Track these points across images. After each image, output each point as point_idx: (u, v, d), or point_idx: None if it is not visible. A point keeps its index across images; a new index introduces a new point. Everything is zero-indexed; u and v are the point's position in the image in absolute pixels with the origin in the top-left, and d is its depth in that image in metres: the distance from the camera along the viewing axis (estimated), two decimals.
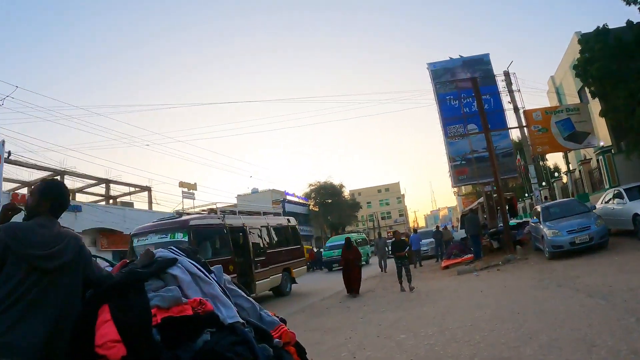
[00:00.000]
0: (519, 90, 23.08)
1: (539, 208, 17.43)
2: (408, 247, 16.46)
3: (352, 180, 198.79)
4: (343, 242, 26.22)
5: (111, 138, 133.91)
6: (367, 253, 35.76)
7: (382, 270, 23.32)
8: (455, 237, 30.11)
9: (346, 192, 75.17)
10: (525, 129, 23.33)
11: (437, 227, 29.05)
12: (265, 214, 19.73)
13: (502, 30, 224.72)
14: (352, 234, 36.06)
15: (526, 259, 16.22)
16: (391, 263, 20.13)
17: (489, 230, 21.47)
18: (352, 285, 15.40)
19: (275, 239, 18.71)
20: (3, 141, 12.07)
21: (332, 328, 9.89)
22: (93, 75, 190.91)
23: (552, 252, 14.68)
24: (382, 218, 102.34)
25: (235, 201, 63.34)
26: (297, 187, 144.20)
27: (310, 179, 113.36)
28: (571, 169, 33.53)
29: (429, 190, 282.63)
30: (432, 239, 27.44)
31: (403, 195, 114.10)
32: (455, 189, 27.67)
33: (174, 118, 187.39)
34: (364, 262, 22.25)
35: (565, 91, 31.86)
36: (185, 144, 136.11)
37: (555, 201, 21.84)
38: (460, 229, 30.21)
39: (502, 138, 23.81)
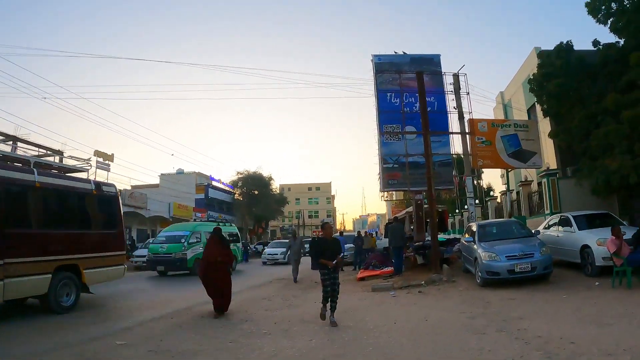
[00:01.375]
0: (468, 93, 21.01)
1: (474, 226, 15.42)
2: (342, 254, 14.23)
3: (282, 175, 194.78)
4: (183, 232, 24.31)
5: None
6: (237, 256, 27.35)
7: (294, 280, 19.00)
8: (379, 246, 28.13)
9: (275, 185, 72.61)
10: (468, 138, 21.29)
11: (359, 232, 26.87)
12: (39, 165, 12.59)
13: (455, 37, 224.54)
14: (224, 226, 26.95)
15: (453, 282, 14.11)
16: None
17: (415, 244, 19.27)
18: (219, 299, 10.75)
19: (54, 212, 11.87)
20: None
21: (184, 352, 7.39)
22: None
23: (485, 279, 12.64)
24: (310, 216, 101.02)
25: (157, 180, 60.07)
26: (223, 173, 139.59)
27: (239, 167, 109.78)
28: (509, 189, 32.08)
29: (360, 194, 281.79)
30: (352, 245, 25.41)
31: (333, 196, 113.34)
32: (384, 194, 25.29)
33: (83, 69, 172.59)
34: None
35: (514, 108, 30.22)
36: (100, 107, 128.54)
37: (494, 220, 19.83)
38: (385, 238, 28.26)
39: (442, 146, 21.72)
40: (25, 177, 10.76)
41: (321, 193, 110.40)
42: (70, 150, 46.22)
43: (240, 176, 68.23)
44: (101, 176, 42.01)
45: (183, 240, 23.32)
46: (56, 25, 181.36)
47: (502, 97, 33.91)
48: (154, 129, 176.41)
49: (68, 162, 15.51)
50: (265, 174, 69.17)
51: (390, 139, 22.03)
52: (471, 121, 21.75)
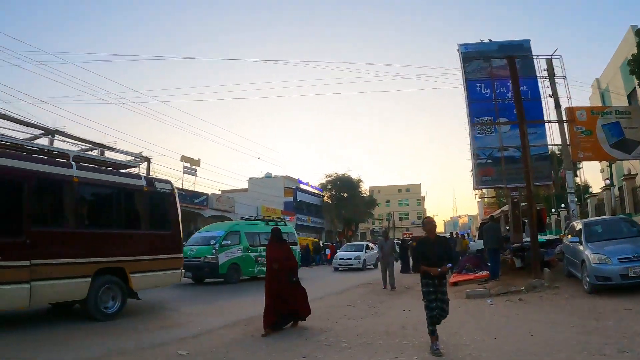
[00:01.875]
0: (564, 77, 19.19)
1: (578, 224, 13.75)
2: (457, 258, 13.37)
3: (371, 177, 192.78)
4: (216, 233, 21.16)
5: (85, 91, 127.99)
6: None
7: (384, 286, 17.07)
8: (472, 248, 26.59)
9: (364, 188, 71.64)
10: (566, 128, 19.51)
11: (452, 233, 25.41)
12: (80, 158, 11.25)
13: (542, 21, 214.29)
14: (278, 224, 22.64)
15: (556, 288, 12.53)
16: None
17: (513, 245, 17.61)
18: (272, 316, 8.88)
19: (95, 210, 11.23)
20: None
21: None
22: (63, 13, 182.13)
23: (594, 285, 11.07)
24: (400, 219, 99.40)
25: (246, 185, 60.50)
26: (310, 176, 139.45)
27: (327, 170, 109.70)
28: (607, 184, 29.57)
29: (451, 195, 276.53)
30: None
31: (423, 197, 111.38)
32: (477, 192, 23.60)
33: (158, 72, 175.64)
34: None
35: (613, 94, 27.89)
36: (182, 112, 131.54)
37: (600, 217, 17.88)
38: (478, 239, 26.65)
39: (538, 138, 19.98)
40: (60, 171, 9.95)
41: (411, 195, 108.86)
42: (157, 157, 46.79)
43: (328, 179, 68.03)
44: (189, 181, 43.08)
45: (214, 242, 20.30)
46: (127, 29, 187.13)
47: (599, 84, 31.45)
48: (239, 132, 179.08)
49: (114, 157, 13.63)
50: (354, 176, 68.42)
51: (482, 133, 20.57)
52: (569, 109, 19.95)
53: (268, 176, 63.70)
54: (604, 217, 19.42)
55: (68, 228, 9.96)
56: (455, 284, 16.23)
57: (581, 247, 12.06)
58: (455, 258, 22.36)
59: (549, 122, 18.85)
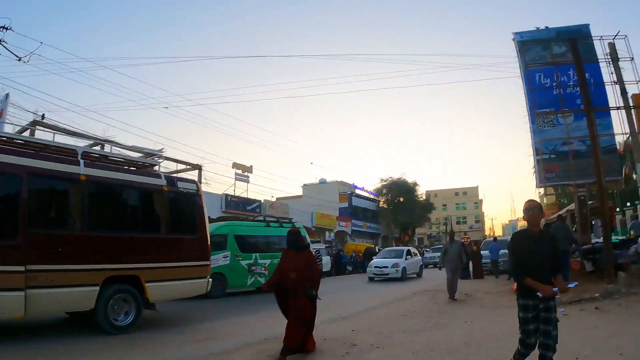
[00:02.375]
0: (632, 59, 17.50)
1: None
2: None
3: (427, 181, 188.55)
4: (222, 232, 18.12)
5: (124, 97, 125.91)
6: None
7: (450, 296, 14.65)
8: None
9: (420, 191, 69.97)
10: (635, 116, 17.87)
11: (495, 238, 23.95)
12: (88, 155, 10.24)
13: (603, 6, 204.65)
14: (284, 225, 20.34)
15: (635, 294, 11.06)
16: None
17: (583, 247, 15.99)
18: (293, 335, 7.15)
19: (106, 211, 10.18)
20: (7, 94, 12.12)
21: None
22: (96, 19, 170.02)
23: None
24: (457, 223, 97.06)
25: (300, 191, 59.93)
26: (365, 181, 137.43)
27: (381, 174, 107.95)
28: None
29: (508, 198, 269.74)
30: (507, 251, 22.38)
31: (481, 200, 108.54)
32: (540, 191, 21.85)
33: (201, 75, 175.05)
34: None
35: None
36: (232, 117, 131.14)
37: None
38: None
39: (603, 129, 18.24)
40: (65, 168, 9.06)
41: (468, 198, 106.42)
42: (207, 164, 46.50)
43: (384, 183, 66.88)
44: (241, 188, 42.57)
45: None
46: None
47: None
48: (292, 137, 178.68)
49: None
50: (409, 180, 66.98)
51: (544, 126, 19.15)
52: (637, 96, 18.29)
53: (322, 182, 62.90)
54: None
55: (72, 231, 9.04)
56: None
57: None
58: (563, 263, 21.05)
59: (619, 108, 17.16)
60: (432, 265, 34.03)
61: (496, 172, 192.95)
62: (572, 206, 20.22)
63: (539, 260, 4.74)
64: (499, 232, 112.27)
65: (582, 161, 18.04)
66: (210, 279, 11.84)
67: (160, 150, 12.10)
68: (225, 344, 8.30)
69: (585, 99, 15.00)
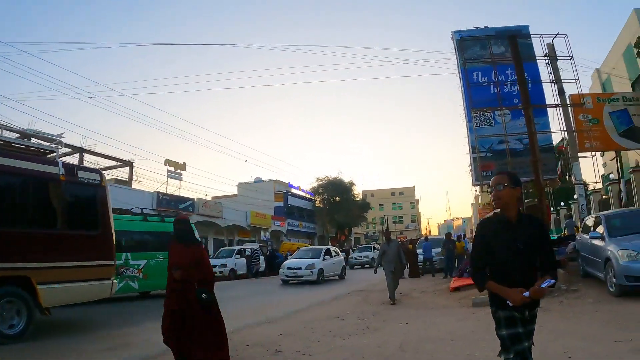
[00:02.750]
0: (571, 58, 17.58)
1: (592, 218, 12.22)
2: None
3: (364, 180, 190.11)
4: None
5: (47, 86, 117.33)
6: None
7: (391, 302, 13.05)
8: (470, 251, 25.13)
9: (357, 191, 69.94)
10: (572, 116, 18.08)
11: (449, 235, 23.69)
12: None
13: (538, 9, 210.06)
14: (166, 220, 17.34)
15: (575, 291, 10.86)
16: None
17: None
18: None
19: None
20: None
21: None
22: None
23: (623, 286, 9.44)
24: (394, 222, 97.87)
25: (235, 190, 58.99)
26: (301, 180, 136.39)
27: (318, 173, 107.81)
28: (612, 178, 27.93)
29: (444, 198, 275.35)
30: (440, 249, 22.99)
31: (417, 200, 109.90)
32: (477, 189, 21.64)
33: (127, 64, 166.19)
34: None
35: (615, 83, 26.49)
36: (169, 116, 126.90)
37: (622, 210, 16.05)
38: None
39: (540, 128, 18.26)
40: None
41: (405, 198, 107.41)
42: (139, 160, 45.11)
43: (320, 183, 66.45)
44: (174, 185, 41.45)
45: None
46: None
47: (599, 74, 30.03)
48: (226, 134, 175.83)
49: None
50: (346, 179, 66.83)
51: (481, 124, 19.13)
52: (574, 97, 18.55)
53: (258, 181, 62.04)
54: (626, 209, 17.57)
55: None
56: (456, 289, 14.62)
57: (603, 243, 10.49)
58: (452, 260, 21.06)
59: (557, 106, 17.21)
60: (359, 267, 33.71)
61: (432, 172, 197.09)
62: None
63: (513, 259, 3.33)
64: (435, 232, 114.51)
65: (519, 159, 18.09)
66: (115, 281, 10.48)
67: (60, 135, 10.48)
68: (145, 352, 7.48)
69: (523, 96, 14.93)
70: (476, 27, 20.72)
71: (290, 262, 24.19)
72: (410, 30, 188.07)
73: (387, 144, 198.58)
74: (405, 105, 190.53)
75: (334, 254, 25.81)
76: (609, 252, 9.97)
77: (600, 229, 11.10)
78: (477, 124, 19.05)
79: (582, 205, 18.26)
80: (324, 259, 23.39)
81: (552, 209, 37.00)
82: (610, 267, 9.88)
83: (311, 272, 21.93)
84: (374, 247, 38.31)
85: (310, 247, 33.71)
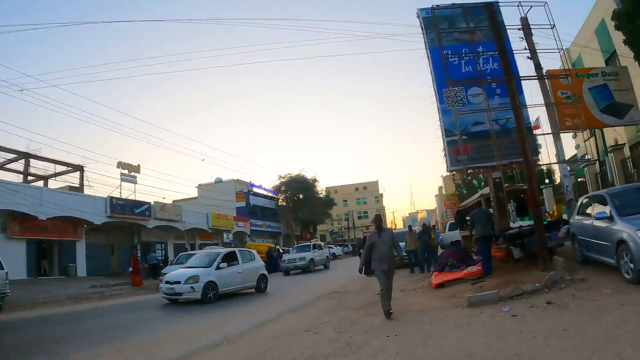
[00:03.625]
0: (553, 26, 16.16)
1: (598, 197, 10.83)
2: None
3: (327, 177, 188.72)
4: None
5: None
6: None
7: (386, 315, 9.64)
8: (445, 242, 23.76)
9: (320, 188, 68.64)
10: (550, 91, 16.80)
11: (424, 225, 22.13)
12: None
13: None
14: None
15: (583, 281, 9.34)
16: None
17: (508, 232, 14.35)
18: None
19: None
20: None
21: None
22: None
23: None
24: (359, 217, 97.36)
25: (196, 193, 57.09)
26: (263, 179, 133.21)
27: (281, 171, 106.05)
28: (588, 159, 26.93)
29: (408, 192, 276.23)
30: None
31: (381, 194, 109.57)
32: (455, 175, 20.12)
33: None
34: None
35: (587, 62, 25.50)
36: (118, 114, 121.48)
37: (626, 186, 14.72)
38: (453, 229, 23.70)
39: None
40: None
41: (369, 192, 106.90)
42: (90, 164, 42.74)
43: (282, 180, 65.10)
44: (128, 189, 39.33)
45: None
46: None
47: (568, 54, 28.94)
48: (182, 133, 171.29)
49: None
50: (308, 176, 65.57)
51: (454, 105, 17.71)
52: (551, 73, 17.45)
53: (218, 181, 60.26)
54: (630, 184, 16.33)
55: None
56: (440, 285, 13.10)
57: (612, 225, 9.09)
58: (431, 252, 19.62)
59: (543, 77, 15.90)
60: (298, 271, 30.56)
61: (395, 166, 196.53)
62: (485, 190, 18.91)
63: None
64: (400, 225, 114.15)
65: (496, 141, 16.84)
66: None
67: None
68: None
69: (505, 67, 13.55)
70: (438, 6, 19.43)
71: (169, 274, 18.27)
72: (374, 12, 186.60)
73: (349, 139, 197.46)
74: (366, 99, 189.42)
75: (244, 259, 19.62)
76: (622, 233, 8.55)
77: (605, 209, 9.70)
78: (449, 105, 17.69)
79: (567, 186, 16.98)
80: (219, 268, 17.73)
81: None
82: (625, 251, 8.47)
83: (192, 287, 16.44)
84: (314, 245, 34.09)
85: (206, 250, 24.86)
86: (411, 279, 17.29)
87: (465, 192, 65.50)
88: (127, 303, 18.73)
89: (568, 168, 25.04)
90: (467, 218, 18.33)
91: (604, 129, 23.00)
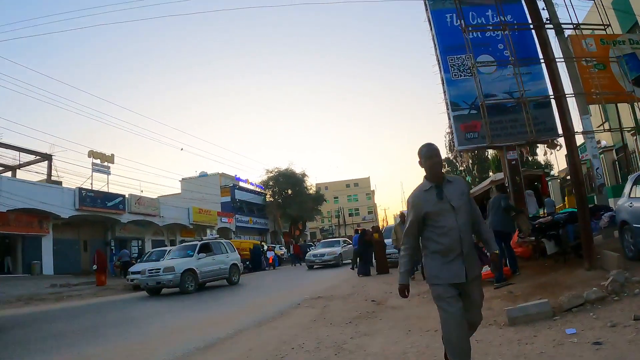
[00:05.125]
0: None
1: None
2: None
3: (318, 174, 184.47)
4: None
5: None
6: None
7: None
8: None
9: (310, 183, 65.68)
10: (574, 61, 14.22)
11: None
12: None
13: None
14: None
15: None
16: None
17: (537, 222, 11.37)
18: None
19: None
20: None
21: None
22: None
23: None
24: (350, 215, 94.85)
25: (179, 186, 54.33)
26: (250, 173, 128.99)
27: (267, 165, 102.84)
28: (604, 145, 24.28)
29: (399, 188, 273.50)
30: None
31: (373, 191, 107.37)
32: (461, 156, 16.83)
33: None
34: None
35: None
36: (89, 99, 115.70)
37: None
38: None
39: (533, 79, 14.77)
40: None
41: (360, 189, 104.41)
42: (59, 152, 39.91)
43: (270, 175, 62.00)
44: (101, 180, 36.52)
45: None
46: None
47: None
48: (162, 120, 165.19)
49: None
50: (297, 170, 62.80)
51: (460, 75, 15.11)
52: (572, 39, 14.81)
53: (203, 175, 57.48)
54: None
55: None
56: None
57: None
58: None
59: (578, 26, 13.30)
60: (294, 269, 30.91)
61: (387, 162, 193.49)
62: (496, 176, 16.26)
63: None
64: (392, 222, 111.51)
65: (511, 116, 14.29)
66: None
67: None
68: None
69: (531, 12, 10.82)
70: None
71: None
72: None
73: (340, 135, 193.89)
74: (357, 94, 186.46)
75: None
76: None
77: None
78: (455, 75, 15.15)
79: (598, 168, 14.27)
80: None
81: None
82: None
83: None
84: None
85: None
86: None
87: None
88: (81, 306, 16.13)
89: (601, 145, 22.44)
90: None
91: (620, 112, 20.43)
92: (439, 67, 15.46)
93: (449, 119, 14.98)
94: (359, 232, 23.24)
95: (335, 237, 38.78)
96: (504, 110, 14.54)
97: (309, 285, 17.64)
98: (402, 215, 17.02)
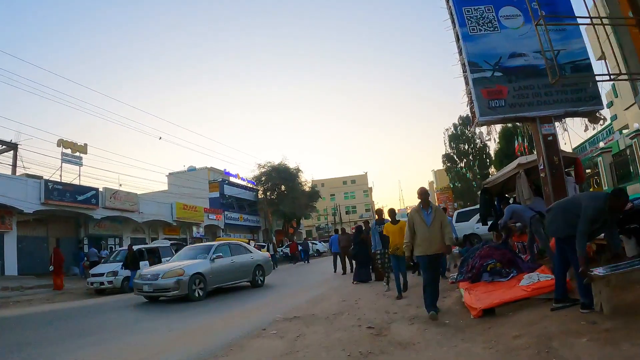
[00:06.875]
0: None
1: None
2: None
3: (314, 171, 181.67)
4: None
5: None
6: None
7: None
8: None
9: (304, 178, 62.48)
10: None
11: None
12: None
13: None
14: None
15: None
16: None
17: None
18: None
19: None
20: None
21: None
22: None
23: None
24: (347, 212, 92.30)
25: (166, 183, 51.14)
26: (241, 167, 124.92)
27: (259, 159, 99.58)
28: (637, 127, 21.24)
29: (397, 187, 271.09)
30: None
31: (370, 188, 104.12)
32: (484, 130, 12.91)
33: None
34: None
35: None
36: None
37: None
38: (464, 220, 17.95)
39: (566, 38, 11.83)
40: None
41: (357, 186, 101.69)
42: (26, 141, 36.73)
43: (262, 170, 58.81)
44: (73, 172, 33.29)
45: None
46: None
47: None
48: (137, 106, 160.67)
49: None
50: (291, 165, 59.96)
51: (480, 29, 11.95)
52: None
53: (192, 169, 54.39)
54: None
55: None
56: (488, 311, 7.01)
57: None
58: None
59: None
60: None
61: (384, 158, 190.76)
62: (527, 158, 13.06)
63: None
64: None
65: (541, 81, 11.15)
66: None
67: None
68: None
69: None
70: None
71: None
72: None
73: (336, 131, 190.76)
74: (352, 89, 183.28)
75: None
76: None
77: None
78: (474, 30, 11.99)
79: None
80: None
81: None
82: None
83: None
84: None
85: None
86: (415, 291, 10.87)
87: (459, 185, 59.96)
88: (19, 315, 13.23)
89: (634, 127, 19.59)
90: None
91: None
92: (452, 21, 12.32)
93: (467, 83, 11.78)
94: (339, 231, 20.18)
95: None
96: (534, 72, 11.42)
97: (289, 294, 14.23)
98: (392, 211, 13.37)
